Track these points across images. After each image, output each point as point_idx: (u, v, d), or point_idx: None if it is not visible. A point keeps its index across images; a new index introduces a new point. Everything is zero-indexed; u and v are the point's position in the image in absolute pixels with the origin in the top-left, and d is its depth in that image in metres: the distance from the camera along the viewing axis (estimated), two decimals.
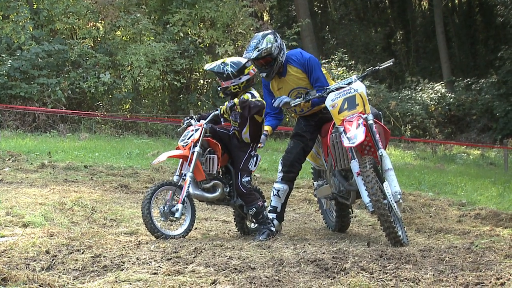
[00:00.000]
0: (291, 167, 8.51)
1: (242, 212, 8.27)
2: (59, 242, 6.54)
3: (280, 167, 8.64)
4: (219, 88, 8.00)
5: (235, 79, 7.82)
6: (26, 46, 24.60)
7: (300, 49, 8.86)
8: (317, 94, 8.25)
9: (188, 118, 8.39)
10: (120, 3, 27.39)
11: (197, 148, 7.82)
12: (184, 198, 7.58)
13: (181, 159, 7.93)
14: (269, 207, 8.47)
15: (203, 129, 7.99)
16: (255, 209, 7.80)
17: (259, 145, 8.36)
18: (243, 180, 7.84)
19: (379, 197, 7.21)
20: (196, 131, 7.97)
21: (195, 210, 7.84)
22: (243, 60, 7.92)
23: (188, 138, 7.96)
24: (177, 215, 7.49)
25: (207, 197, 7.88)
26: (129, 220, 8.60)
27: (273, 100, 8.53)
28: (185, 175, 7.74)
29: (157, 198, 7.56)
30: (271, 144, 22.56)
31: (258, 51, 8.25)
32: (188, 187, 7.64)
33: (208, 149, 8.04)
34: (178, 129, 8.99)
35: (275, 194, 8.51)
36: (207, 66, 8.14)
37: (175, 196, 7.64)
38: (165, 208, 7.51)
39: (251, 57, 8.27)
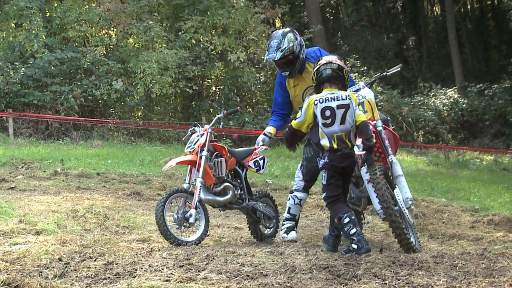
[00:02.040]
0: (313, 176, 8.39)
1: (255, 216, 8.27)
2: (71, 250, 6.55)
3: (300, 176, 8.50)
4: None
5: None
6: (39, 54, 24.73)
7: (319, 47, 8.83)
8: None
9: (193, 126, 8.44)
10: (132, 10, 27.49)
11: (204, 152, 7.86)
12: (196, 204, 7.58)
13: (189, 165, 7.93)
14: (287, 214, 8.40)
15: (208, 133, 8.05)
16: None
17: (262, 147, 8.39)
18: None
19: (389, 203, 7.18)
20: (201, 136, 8.03)
21: (208, 216, 7.84)
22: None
23: (194, 144, 8.00)
24: (191, 220, 7.50)
25: (219, 200, 7.90)
26: (141, 227, 8.61)
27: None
28: (195, 180, 7.74)
29: (170, 205, 7.56)
30: (283, 150, 22.50)
31: (281, 51, 8.23)
32: (199, 192, 7.65)
33: (215, 153, 8.07)
34: (183, 138, 8.96)
35: (297, 203, 8.41)
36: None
37: (187, 202, 7.64)
38: (179, 214, 7.52)
39: (275, 59, 8.26)
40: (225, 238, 8.22)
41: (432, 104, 34.32)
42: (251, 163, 8.47)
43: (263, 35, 28.92)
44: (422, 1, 48.66)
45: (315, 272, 5.89)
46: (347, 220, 6.80)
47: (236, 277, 5.69)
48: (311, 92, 8.29)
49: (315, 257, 6.58)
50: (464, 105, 35.13)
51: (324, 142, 6.89)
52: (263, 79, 31.38)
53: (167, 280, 5.55)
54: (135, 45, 28.15)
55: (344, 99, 6.88)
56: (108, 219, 8.86)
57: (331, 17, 49.26)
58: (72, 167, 14.74)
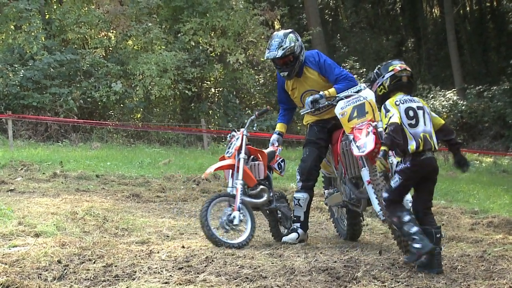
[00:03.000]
0: (309, 175, 8.46)
1: (277, 217, 8.41)
2: (71, 252, 6.54)
3: (298, 177, 8.58)
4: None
5: (379, 78, 6.77)
6: (38, 56, 24.75)
7: (317, 50, 8.83)
8: (326, 103, 8.25)
9: (232, 131, 8.56)
10: (131, 12, 27.52)
11: (242, 155, 7.93)
12: (239, 205, 7.65)
13: (230, 170, 7.98)
14: (292, 217, 8.45)
15: (244, 136, 8.14)
16: (394, 226, 6.79)
17: (277, 147, 8.42)
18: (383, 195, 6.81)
19: None
20: (237, 139, 8.11)
21: (254, 216, 7.89)
22: (390, 60, 7.01)
23: (232, 148, 8.09)
24: (235, 222, 7.58)
25: (256, 203, 7.98)
26: (140, 229, 8.60)
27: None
28: (235, 183, 7.81)
29: (216, 210, 7.78)
30: (283, 152, 22.53)
31: (282, 49, 8.24)
32: (241, 194, 7.72)
33: (251, 156, 8.19)
34: (225, 145, 9.04)
35: (296, 204, 8.45)
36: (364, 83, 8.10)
37: (231, 205, 7.72)
38: (224, 218, 7.62)
39: (276, 56, 8.26)
40: None
41: (431, 106, 34.33)
42: (275, 166, 8.59)
43: (262, 37, 28.96)
44: (421, 3, 48.72)
45: (315, 274, 5.89)
46: (407, 218, 6.31)
47: (235, 279, 5.69)
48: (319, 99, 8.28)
49: (315, 259, 6.57)
50: (463, 107, 35.16)
51: (411, 144, 6.34)
52: (262, 81, 31.43)
53: (166, 282, 5.55)
54: (134, 47, 28.17)
55: (418, 102, 6.56)
56: (107, 221, 8.86)
57: (330, 19, 49.32)
58: (71, 169, 14.74)
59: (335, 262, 6.44)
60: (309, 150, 8.57)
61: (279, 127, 8.81)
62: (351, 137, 7.71)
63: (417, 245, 6.14)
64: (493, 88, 36.91)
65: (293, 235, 8.27)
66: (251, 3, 30.06)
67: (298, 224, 8.45)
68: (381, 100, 6.70)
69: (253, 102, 31.50)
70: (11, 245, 6.84)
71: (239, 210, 7.63)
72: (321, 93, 8.22)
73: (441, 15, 46.23)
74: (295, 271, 5.96)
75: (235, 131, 8.44)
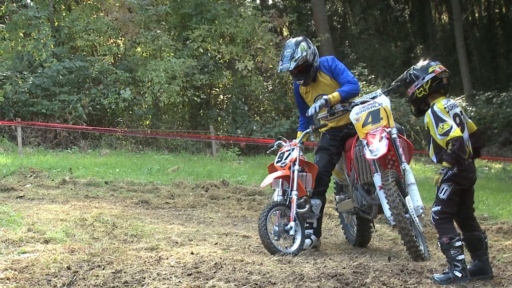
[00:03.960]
0: (320, 181, 8.46)
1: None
2: (80, 258, 6.55)
3: None
4: (409, 104, 6.89)
5: (419, 80, 6.49)
6: (48, 63, 24.81)
7: (334, 57, 8.83)
8: (341, 109, 8.29)
9: (277, 140, 8.70)
10: (140, 19, 27.57)
11: (296, 167, 8.01)
12: (295, 216, 7.79)
13: (280, 179, 8.11)
14: (306, 223, 8.45)
15: (299, 148, 8.22)
16: (439, 244, 6.41)
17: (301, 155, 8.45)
18: (432, 209, 6.47)
19: (400, 210, 7.18)
20: (293, 151, 8.18)
21: (304, 227, 8.03)
22: (426, 61, 6.72)
23: (285, 158, 8.16)
24: (291, 232, 7.73)
25: (299, 212, 8.01)
26: (149, 235, 8.61)
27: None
28: (290, 194, 7.94)
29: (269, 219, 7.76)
30: None
31: (295, 61, 8.31)
32: (296, 205, 7.85)
33: (301, 167, 8.21)
34: (267, 151, 9.04)
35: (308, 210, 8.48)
36: (394, 82, 8.01)
37: (285, 215, 7.89)
38: (279, 227, 7.76)
39: (289, 69, 8.33)
40: (233, 247, 8.21)
41: None
42: None
43: (271, 43, 28.99)
44: (429, 9, 48.68)
45: (323, 280, 5.88)
46: (459, 243, 6.13)
47: (244, 285, 5.69)
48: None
49: (323, 266, 6.56)
50: (472, 113, 35.04)
51: None
52: (271, 87, 31.41)
53: None
54: (143, 54, 28.21)
55: (458, 106, 6.40)
56: (116, 227, 8.87)
57: (339, 26, 49.31)
58: (80, 175, 14.76)
59: (344, 268, 6.43)
60: (320, 156, 8.59)
61: (300, 135, 8.77)
62: (365, 142, 7.73)
63: (458, 274, 6.05)
64: (502, 95, 36.80)
65: (307, 241, 8.28)
66: (259, 10, 30.09)
67: (311, 231, 8.48)
68: (418, 102, 6.51)
69: (261, 108, 31.50)
70: (21, 252, 6.85)
71: (294, 221, 7.78)
72: (325, 97, 8.22)
73: (449, 22, 46.18)
74: (304, 277, 5.95)
75: (284, 141, 8.55)
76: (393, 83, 8.65)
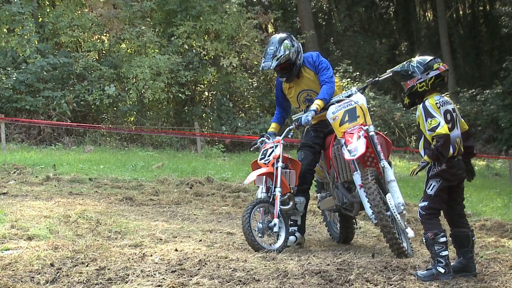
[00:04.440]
0: (304, 179, 8.46)
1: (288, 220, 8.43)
2: (63, 255, 6.53)
3: None
4: (402, 94, 6.85)
5: (422, 74, 6.47)
6: (32, 59, 24.70)
7: (318, 53, 8.83)
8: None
9: (260, 137, 8.65)
10: (125, 16, 27.49)
11: (280, 164, 8.00)
12: (278, 213, 7.79)
13: (264, 176, 8.10)
14: (289, 220, 8.44)
15: (282, 145, 8.21)
16: (424, 239, 6.45)
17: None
18: (419, 204, 6.48)
19: (381, 208, 7.20)
20: (276, 147, 8.16)
21: (288, 224, 8.03)
22: (430, 57, 6.69)
23: (269, 155, 8.14)
24: (275, 229, 7.73)
25: (283, 209, 8.01)
26: (133, 232, 8.60)
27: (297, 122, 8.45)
28: (273, 191, 7.93)
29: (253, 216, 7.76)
30: None
31: (277, 60, 8.31)
32: (280, 202, 7.85)
33: (285, 164, 8.23)
34: (251, 148, 8.98)
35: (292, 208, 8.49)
36: (391, 70, 7.88)
37: (268, 212, 7.89)
38: (263, 224, 7.76)
39: (271, 67, 8.34)
40: (217, 243, 8.21)
41: None
42: None
43: (256, 40, 28.96)
44: (414, 6, 48.80)
45: (308, 277, 5.90)
46: (443, 239, 6.17)
47: (228, 282, 5.70)
48: (305, 97, 8.33)
49: (307, 262, 6.58)
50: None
51: (450, 148, 6.21)
52: (256, 84, 31.40)
53: (159, 286, 5.55)
54: (128, 51, 28.13)
55: (451, 103, 6.48)
56: (100, 224, 8.85)
57: (324, 23, 49.35)
58: (64, 172, 14.71)
59: (328, 265, 6.45)
60: (304, 154, 8.57)
61: (274, 126, 8.84)
62: (343, 141, 7.74)
63: (441, 269, 6.11)
64: (486, 92, 36.95)
65: (291, 238, 8.29)
66: (244, 6, 30.05)
67: (296, 228, 8.49)
68: (415, 96, 6.55)
69: (246, 105, 31.49)
70: (4, 249, 6.83)
71: (278, 218, 7.77)
72: (313, 108, 8.19)
73: (434, 19, 46.31)
74: (288, 274, 5.97)
75: (267, 138, 8.51)
76: (372, 80, 8.69)
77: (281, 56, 8.28)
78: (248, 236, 7.49)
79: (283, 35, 8.56)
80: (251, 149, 9.18)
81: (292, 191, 8.22)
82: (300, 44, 8.65)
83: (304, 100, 8.57)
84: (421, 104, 6.36)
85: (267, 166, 8.03)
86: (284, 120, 9.00)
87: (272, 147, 8.19)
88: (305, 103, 8.52)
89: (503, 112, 34.17)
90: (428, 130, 6.19)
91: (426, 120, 6.24)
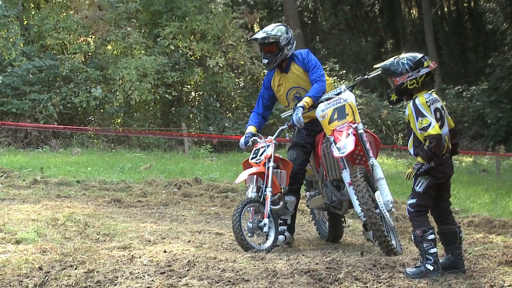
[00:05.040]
0: (295, 178, 8.43)
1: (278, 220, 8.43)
2: (52, 258, 6.51)
3: None
4: (388, 91, 6.78)
5: (413, 72, 6.41)
6: (17, 62, 24.63)
7: (309, 50, 8.84)
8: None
9: (251, 136, 8.55)
10: (110, 17, 27.46)
11: (271, 164, 7.98)
12: (268, 213, 7.77)
13: (255, 176, 8.07)
14: (279, 219, 8.44)
15: (274, 144, 8.18)
16: (413, 237, 6.41)
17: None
18: (407, 202, 6.49)
19: (370, 206, 7.21)
20: (268, 147, 8.13)
21: (278, 223, 8.04)
22: (419, 54, 6.62)
23: (260, 155, 8.12)
24: (265, 229, 7.72)
25: (273, 209, 7.99)
26: (122, 234, 8.57)
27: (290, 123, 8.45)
28: (264, 190, 7.92)
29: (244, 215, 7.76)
30: None
31: (265, 34, 8.35)
32: (270, 202, 7.83)
33: (276, 164, 8.20)
34: (242, 146, 8.84)
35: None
36: (379, 65, 7.76)
37: (259, 211, 7.88)
38: (253, 224, 7.75)
39: (257, 37, 8.41)
40: (206, 244, 8.20)
41: None
42: None
43: (242, 40, 28.97)
44: (399, 4, 48.96)
45: (297, 276, 5.90)
46: (432, 237, 6.18)
47: (217, 283, 5.69)
48: (294, 94, 8.34)
49: (296, 262, 6.58)
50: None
51: None
52: (243, 84, 31.42)
53: (148, 287, 5.54)
54: (114, 52, 28.09)
55: (440, 101, 6.44)
56: (88, 227, 8.83)
57: (309, 21, 49.45)
58: (51, 175, 14.67)
59: (317, 264, 6.45)
60: (297, 153, 8.54)
61: (253, 129, 8.71)
62: (332, 139, 7.75)
63: (429, 267, 6.10)
64: (472, 88, 37.16)
65: (280, 238, 8.29)
66: (230, 6, 30.05)
67: (285, 227, 8.49)
68: (404, 93, 6.51)
69: (233, 105, 31.51)
70: None
71: (268, 218, 7.76)
72: (300, 105, 8.19)
73: (419, 16, 46.50)
74: (277, 274, 5.97)
75: (259, 137, 8.48)
76: (361, 78, 8.70)
77: (270, 34, 8.32)
78: (238, 236, 7.48)
79: (281, 23, 8.63)
80: (244, 148, 9.03)
81: (282, 191, 8.22)
82: (295, 39, 8.65)
83: (293, 98, 8.56)
84: (411, 102, 6.33)
85: (259, 165, 8.03)
86: (262, 124, 8.90)
87: (264, 146, 8.17)
88: (294, 101, 8.50)
89: (489, 108, 34.38)
90: (419, 129, 6.18)
91: (417, 119, 6.22)
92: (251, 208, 7.85)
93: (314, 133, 8.57)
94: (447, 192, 6.49)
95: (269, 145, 8.16)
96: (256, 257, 6.87)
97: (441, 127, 6.25)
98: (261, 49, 8.48)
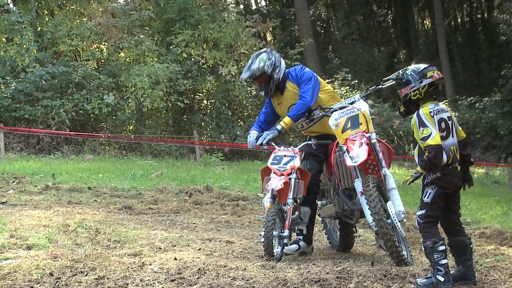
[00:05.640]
0: (310, 189, 8.40)
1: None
2: (63, 264, 6.52)
3: None
4: (398, 103, 6.75)
5: (415, 82, 6.46)
6: (30, 68, 24.72)
7: (302, 65, 8.84)
8: (320, 114, 8.29)
9: (269, 135, 8.46)
10: (123, 25, 27.53)
11: (294, 175, 7.99)
12: (289, 223, 7.82)
13: (270, 180, 8.05)
14: (296, 230, 8.49)
15: (299, 156, 8.19)
16: (423, 248, 6.48)
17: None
18: (417, 213, 6.48)
19: (382, 216, 7.18)
20: (295, 158, 8.10)
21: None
22: (424, 65, 6.70)
23: (285, 164, 8.08)
24: (285, 241, 7.76)
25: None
26: (133, 241, 8.58)
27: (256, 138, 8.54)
28: (288, 201, 7.94)
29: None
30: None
31: (250, 71, 8.36)
32: (292, 213, 7.90)
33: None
34: (251, 144, 8.76)
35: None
36: (387, 78, 7.81)
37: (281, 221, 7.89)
38: (275, 233, 7.73)
39: (243, 77, 8.45)
40: (216, 252, 8.20)
41: None
42: None
43: (254, 48, 28.96)
44: (412, 14, 48.95)
45: (307, 285, 5.89)
46: (442, 248, 6.13)
47: None
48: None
49: (307, 271, 6.56)
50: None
51: (443, 157, 6.19)
52: (254, 92, 31.42)
53: None
54: (127, 59, 28.16)
55: (447, 112, 6.42)
56: (99, 233, 8.83)
57: (322, 31, 49.48)
58: (63, 181, 14.71)
59: (328, 273, 6.43)
60: (310, 163, 8.53)
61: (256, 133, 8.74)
62: (345, 148, 7.73)
63: (440, 278, 6.04)
64: (485, 100, 37.04)
65: (293, 246, 8.30)
66: (243, 15, 30.10)
67: (301, 237, 8.49)
68: (409, 104, 6.51)
69: (245, 113, 31.52)
70: (3, 258, 6.81)
71: (289, 229, 7.80)
72: (277, 127, 8.29)
73: (432, 27, 46.45)
74: (288, 283, 5.95)
75: (276, 142, 8.47)
76: (375, 87, 8.68)
77: (255, 68, 8.33)
78: (269, 242, 7.48)
79: (263, 49, 8.63)
80: (253, 147, 8.92)
81: (298, 201, 8.23)
82: (281, 58, 8.60)
83: None
84: (415, 113, 6.33)
85: (283, 174, 8.00)
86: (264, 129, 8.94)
87: (289, 156, 8.13)
88: None
89: (502, 120, 34.24)
90: (420, 139, 6.20)
91: (419, 129, 6.23)
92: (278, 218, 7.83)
93: (323, 147, 8.57)
94: (457, 204, 6.44)
95: (296, 156, 8.13)
96: (267, 265, 6.86)
97: (446, 137, 6.25)
98: (255, 83, 8.53)
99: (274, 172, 8.04)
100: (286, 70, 8.57)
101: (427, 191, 6.26)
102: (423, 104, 6.38)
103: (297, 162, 8.06)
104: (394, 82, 7.31)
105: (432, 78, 6.40)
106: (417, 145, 6.30)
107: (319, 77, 8.62)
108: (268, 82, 8.42)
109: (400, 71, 6.71)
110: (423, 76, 6.43)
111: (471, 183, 6.53)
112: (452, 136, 6.32)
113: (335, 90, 29.84)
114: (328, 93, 8.63)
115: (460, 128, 6.49)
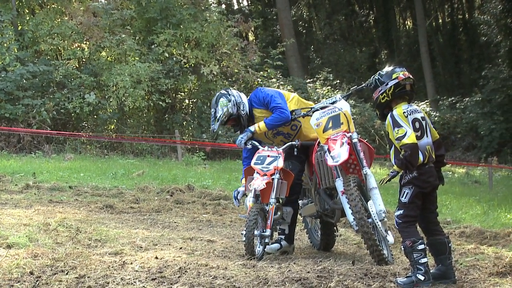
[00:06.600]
0: (293, 189, 8.43)
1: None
2: (43, 263, 6.50)
3: None
4: (373, 108, 6.98)
5: (382, 86, 6.49)
6: (11, 67, 24.57)
7: (260, 88, 8.94)
8: (301, 114, 8.34)
9: (244, 138, 8.57)
10: (105, 24, 27.42)
11: (277, 175, 8.04)
12: (271, 223, 7.88)
13: (252, 180, 8.09)
14: (278, 229, 8.54)
15: (282, 156, 8.21)
16: (403, 247, 6.42)
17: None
18: (395, 213, 6.51)
19: (363, 215, 7.22)
20: (278, 159, 8.13)
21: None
22: (391, 68, 6.66)
23: (268, 164, 8.11)
24: (267, 240, 7.82)
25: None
26: (113, 240, 8.56)
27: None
28: (270, 201, 8.00)
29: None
30: None
31: (218, 120, 8.49)
32: (274, 213, 7.97)
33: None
34: (240, 144, 8.78)
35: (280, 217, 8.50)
36: (361, 85, 7.87)
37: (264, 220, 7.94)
38: (256, 232, 7.76)
39: (215, 129, 8.62)
40: (197, 251, 8.20)
41: None
42: None
43: (236, 48, 28.98)
44: (394, 15, 49.12)
45: (288, 284, 5.90)
46: (422, 247, 6.16)
47: None
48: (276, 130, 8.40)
49: (288, 270, 6.58)
50: (436, 118, 35.39)
51: (419, 157, 6.21)
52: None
53: None
54: (108, 58, 28.05)
55: (421, 112, 6.45)
56: (80, 232, 8.81)
57: (304, 31, 49.52)
58: (44, 180, 14.65)
59: (309, 272, 6.45)
60: (293, 164, 8.57)
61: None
62: (326, 147, 7.76)
63: (420, 277, 6.07)
64: (466, 100, 37.25)
65: (275, 246, 8.34)
66: (225, 14, 30.08)
67: (283, 236, 8.52)
68: (381, 107, 6.55)
69: None
70: None
71: (270, 228, 7.85)
72: (251, 128, 8.38)
73: (414, 27, 46.62)
74: (269, 282, 5.96)
75: (261, 143, 8.55)
76: (356, 87, 8.73)
77: (220, 115, 8.45)
78: (250, 241, 7.52)
79: (218, 94, 8.67)
80: (240, 145, 8.95)
81: (281, 202, 8.25)
82: (239, 93, 8.67)
83: (272, 135, 8.65)
84: (389, 114, 6.37)
85: (266, 174, 8.01)
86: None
87: (272, 156, 8.18)
88: (275, 136, 8.66)
89: (483, 120, 34.45)
90: (395, 139, 6.24)
91: (394, 129, 6.27)
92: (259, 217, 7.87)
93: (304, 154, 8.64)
94: (433, 203, 6.48)
95: (279, 156, 8.16)
96: (248, 264, 6.87)
97: (420, 137, 6.30)
98: (227, 126, 8.68)
99: (257, 172, 8.06)
100: (248, 99, 8.65)
101: (404, 191, 6.29)
102: (396, 105, 6.43)
103: (280, 163, 8.09)
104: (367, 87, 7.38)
105: (397, 79, 6.43)
106: (393, 145, 6.34)
107: (280, 90, 8.75)
108: (238, 120, 8.58)
109: (373, 76, 6.74)
110: (389, 78, 6.48)
111: (443, 183, 6.57)
112: (427, 136, 6.37)
113: (317, 90, 29.62)
114: (293, 102, 8.70)
115: (433, 129, 6.53)
